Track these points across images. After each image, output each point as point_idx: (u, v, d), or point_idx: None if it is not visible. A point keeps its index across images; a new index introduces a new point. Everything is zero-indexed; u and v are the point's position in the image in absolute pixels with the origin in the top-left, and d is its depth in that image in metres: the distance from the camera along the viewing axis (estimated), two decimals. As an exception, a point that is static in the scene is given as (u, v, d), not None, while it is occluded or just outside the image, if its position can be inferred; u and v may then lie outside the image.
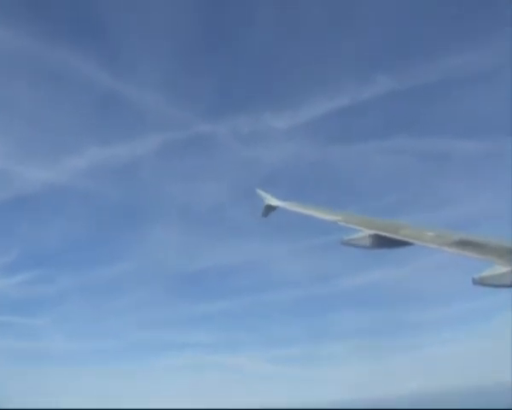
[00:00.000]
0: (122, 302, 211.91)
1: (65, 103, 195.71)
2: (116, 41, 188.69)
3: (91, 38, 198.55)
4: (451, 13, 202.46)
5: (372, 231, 6.93)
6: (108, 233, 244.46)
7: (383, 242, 6.78)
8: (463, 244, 5.70)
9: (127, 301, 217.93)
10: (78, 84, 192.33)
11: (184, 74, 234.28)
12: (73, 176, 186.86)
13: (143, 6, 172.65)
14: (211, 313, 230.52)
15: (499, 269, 4.99)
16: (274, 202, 10.86)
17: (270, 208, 10.97)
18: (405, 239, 6.39)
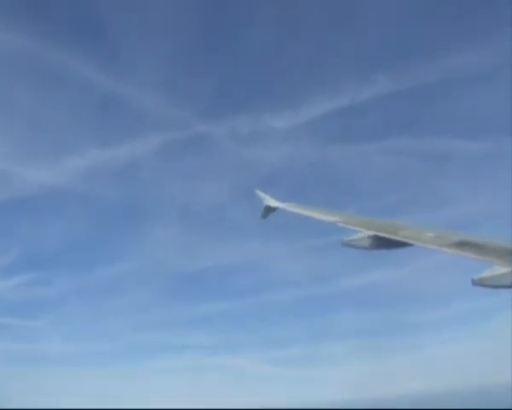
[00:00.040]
0: (121, 304, 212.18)
1: (64, 104, 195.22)
2: (115, 42, 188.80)
3: (91, 39, 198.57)
4: (451, 13, 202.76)
5: (371, 232, 6.94)
6: (107, 234, 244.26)
7: (382, 243, 6.78)
8: (463, 245, 5.70)
9: (126, 303, 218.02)
10: (77, 85, 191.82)
11: (183, 75, 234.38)
12: (73, 177, 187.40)
13: (142, 7, 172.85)
14: (210, 313, 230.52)
15: (499, 270, 4.99)
16: (273, 202, 10.86)
17: (269, 209, 10.97)
18: (405, 240, 6.40)
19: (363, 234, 7.02)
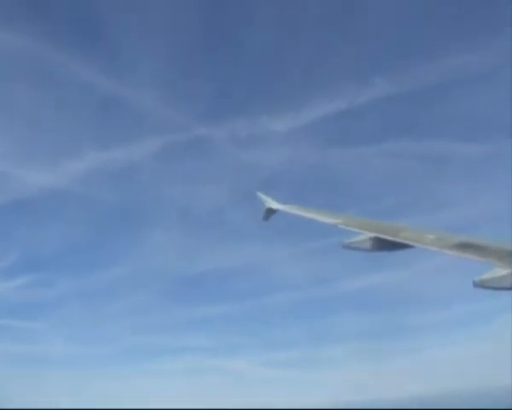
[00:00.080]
0: (121, 306, 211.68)
1: (64, 106, 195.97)
2: (115, 44, 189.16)
3: (90, 41, 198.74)
4: (451, 13, 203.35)
5: (372, 234, 6.94)
6: (107, 237, 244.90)
7: (383, 244, 6.79)
8: (464, 247, 5.71)
9: (126, 305, 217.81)
10: (76, 87, 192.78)
11: (183, 77, 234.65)
12: (72, 179, 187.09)
13: (142, 8, 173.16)
14: (210, 316, 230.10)
15: (499, 271, 5.00)
16: (274, 205, 10.88)
17: (270, 212, 10.99)
18: (406, 242, 6.40)
19: (364, 236, 7.02)
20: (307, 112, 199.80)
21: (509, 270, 4.94)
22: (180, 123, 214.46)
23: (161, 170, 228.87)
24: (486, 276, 5.06)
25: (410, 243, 6.34)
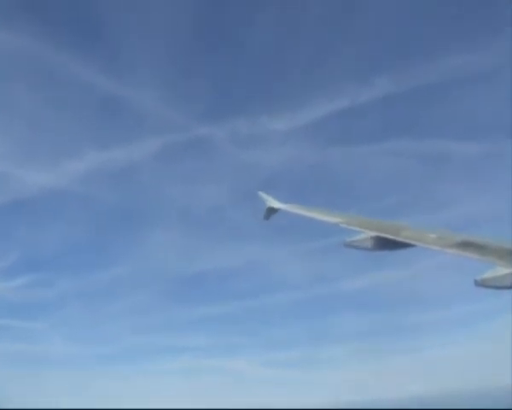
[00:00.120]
0: (121, 306, 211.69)
1: (63, 107, 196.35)
2: (114, 44, 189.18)
3: (90, 41, 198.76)
4: (451, 13, 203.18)
5: (374, 233, 6.94)
6: (107, 237, 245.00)
7: (385, 243, 6.79)
8: (465, 246, 5.71)
9: (126, 305, 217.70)
10: (76, 87, 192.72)
11: (183, 77, 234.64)
12: (72, 179, 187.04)
13: (142, 9, 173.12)
14: (210, 316, 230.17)
15: (501, 270, 5.01)
16: (276, 204, 10.88)
17: (271, 211, 10.99)
18: (407, 241, 6.40)
19: (366, 235, 7.02)
20: (307, 111, 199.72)
21: (511, 269, 4.94)
22: (180, 123, 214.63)
23: (161, 170, 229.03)
24: (488, 275, 5.07)
25: (412, 242, 6.34)
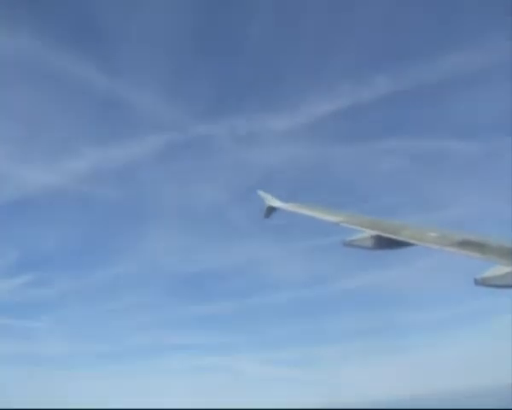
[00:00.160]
0: (120, 305, 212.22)
1: (64, 106, 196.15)
2: (114, 44, 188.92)
3: (90, 41, 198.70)
4: (451, 13, 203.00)
5: (374, 232, 6.92)
6: (107, 235, 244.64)
7: (385, 242, 6.76)
8: (465, 244, 5.68)
9: (125, 304, 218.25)
10: (76, 86, 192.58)
11: (182, 76, 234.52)
12: (72, 178, 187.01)
13: (141, 8, 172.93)
14: (209, 314, 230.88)
15: (501, 269, 4.98)
16: (275, 203, 10.86)
17: (271, 210, 10.98)
18: (407, 240, 6.37)
19: (366, 234, 7.00)
20: (307, 110, 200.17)
21: (511, 268, 4.92)
22: (179, 121, 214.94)
23: (161, 168, 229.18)
24: (488, 274, 5.04)
25: (412, 241, 6.31)
